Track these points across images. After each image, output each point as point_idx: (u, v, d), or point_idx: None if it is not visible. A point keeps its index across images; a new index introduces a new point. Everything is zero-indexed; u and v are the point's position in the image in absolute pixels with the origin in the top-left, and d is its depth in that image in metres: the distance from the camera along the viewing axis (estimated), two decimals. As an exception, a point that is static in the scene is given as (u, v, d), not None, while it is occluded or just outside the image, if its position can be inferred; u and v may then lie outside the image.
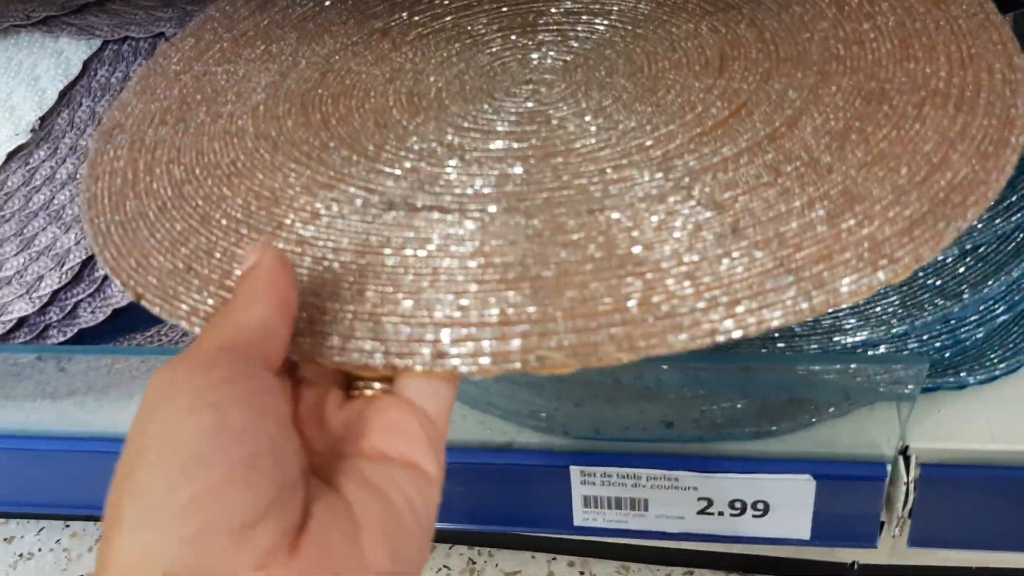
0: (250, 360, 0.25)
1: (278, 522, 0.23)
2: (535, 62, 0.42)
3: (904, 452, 0.45)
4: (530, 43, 0.44)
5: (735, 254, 0.28)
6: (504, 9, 0.47)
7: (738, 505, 0.48)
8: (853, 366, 0.40)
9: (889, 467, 0.45)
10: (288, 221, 0.34)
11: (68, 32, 0.63)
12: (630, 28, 0.43)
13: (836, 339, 0.43)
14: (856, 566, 0.55)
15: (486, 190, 0.33)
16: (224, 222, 0.35)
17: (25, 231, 0.55)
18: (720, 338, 0.27)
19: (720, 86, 0.37)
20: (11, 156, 0.59)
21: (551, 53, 0.43)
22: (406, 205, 0.32)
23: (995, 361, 0.44)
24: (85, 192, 0.40)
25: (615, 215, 0.30)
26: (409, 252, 0.31)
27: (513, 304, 0.28)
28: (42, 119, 0.60)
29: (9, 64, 0.63)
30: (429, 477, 0.27)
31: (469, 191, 0.33)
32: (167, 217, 0.36)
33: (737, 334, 0.27)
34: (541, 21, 0.45)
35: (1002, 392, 0.45)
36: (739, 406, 0.47)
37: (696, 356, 0.41)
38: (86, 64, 0.62)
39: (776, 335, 0.44)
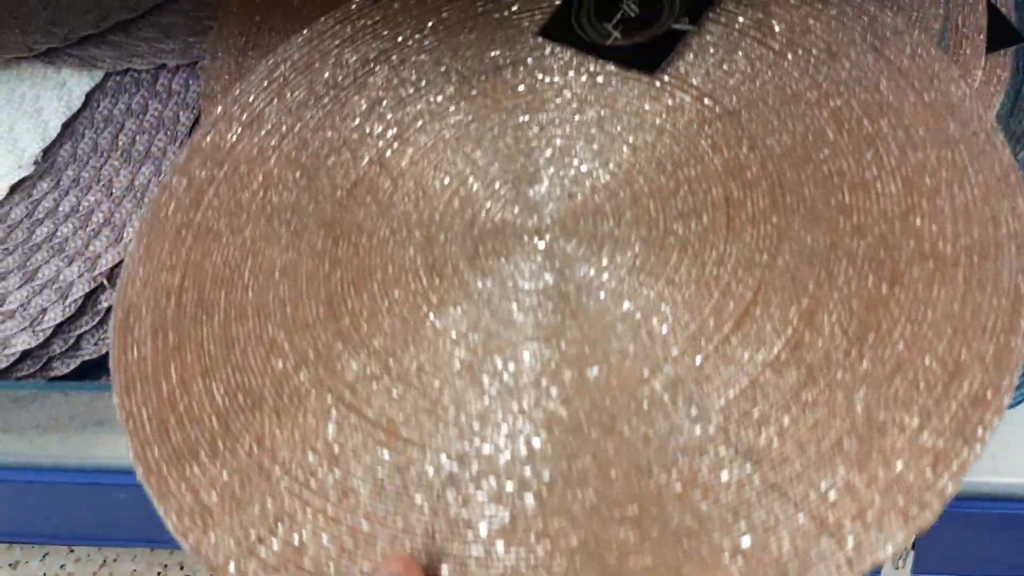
0: None
1: None
2: (538, 199, 0.40)
3: None
4: (532, 170, 0.42)
5: (778, 517, 0.29)
6: (494, 132, 0.44)
7: None
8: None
9: None
10: (353, 485, 0.34)
11: (70, 64, 0.63)
12: (629, 140, 0.41)
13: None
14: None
15: (535, 444, 0.33)
16: (284, 483, 0.34)
17: (28, 264, 0.55)
18: None
19: (733, 255, 0.36)
20: (14, 189, 0.59)
21: (554, 183, 0.41)
22: (464, 474, 0.33)
23: (997, 395, 0.44)
24: (120, 406, 0.38)
25: (663, 477, 0.31)
26: (479, 531, 0.31)
27: None
28: (45, 151, 0.60)
29: (12, 96, 0.63)
30: None
31: (520, 449, 0.33)
32: (221, 461, 0.35)
33: None
34: (533, 138, 0.43)
35: (1008, 425, 0.45)
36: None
37: None
38: (88, 96, 0.63)
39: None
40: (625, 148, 0.41)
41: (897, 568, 0.47)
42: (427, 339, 0.37)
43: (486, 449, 0.33)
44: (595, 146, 0.41)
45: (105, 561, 0.69)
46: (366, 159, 0.43)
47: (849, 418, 0.31)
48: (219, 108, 0.47)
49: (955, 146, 0.36)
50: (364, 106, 0.45)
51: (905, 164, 0.36)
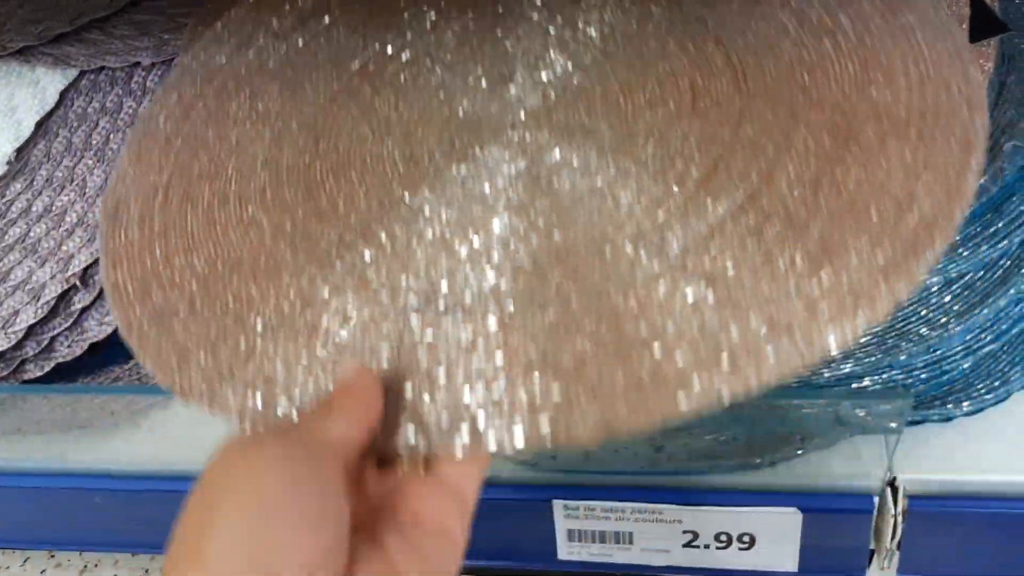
0: (325, 446, 0.29)
1: (331, 570, 0.27)
2: (514, 98, 0.42)
3: (892, 484, 0.44)
4: (506, 72, 0.44)
5: (731, 323, 0.31)
6: (471, 26, 0.47)
7: (724, 538, 0.47)
8: (834, 402, 0.39)
9: (877, 499, 0.44)
10: (324, 325, 0.36)
11: (44, 62, 0.62)
12: (600, 46, 0.44)
13: (820, 371, 0.42)
14: (847, 596, 0.54)
15: (502, 286, 0.35)
16: (260, 327, 0.36)
17: (0, 265, 0.54)
18: (726, 400, 0.30)
19: (695, 131, 0.38)
20: (-13, 188, 0.58)
21: (528, 86, 0.43)
22: (431, 307, 0.35)
23: (982, 392, 0.43)
24: (107, 279, 0.41)
25: (621, 301, 0.33)
26: (442, 351, 0.34)
27: (540, 391, 0.31)
28: (18, 151, 0.60)
29: (-15, 95, 0.63)
30: (457, 543, 0.31)
31: (486, 287, 0.35)
32: (199, 316, 0.38)
33: (741, 396, 0.29)
34: (510, 44, 0.45)
35: (991, 422, 0.44)
36: (722, 439, 0.46)
37: None
38: (63, 94, 0.62)
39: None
40: (597, 52, 0.43)
41: (883, 569, 0.47)
42: (401, 216, 0.39)
43: (454, 289, 0.35)
44: (568, 51, 0.44)
45: (86, 566, 0.68)
46: (349, 72, 0.46)
47: (803, 245, 0.32)
48: (210, 31, 0.50)
49: (910, 32, 0.38)
50: (350, 29, 0.48)
51: (862, 48, 0.38)
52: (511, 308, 0.34)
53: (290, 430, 0.31)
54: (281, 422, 0.33)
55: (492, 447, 0.31)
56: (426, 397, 0.33)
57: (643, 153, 0.38)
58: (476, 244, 0.37)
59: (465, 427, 0.32)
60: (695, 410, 0.30)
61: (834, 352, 0.30)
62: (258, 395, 0.35)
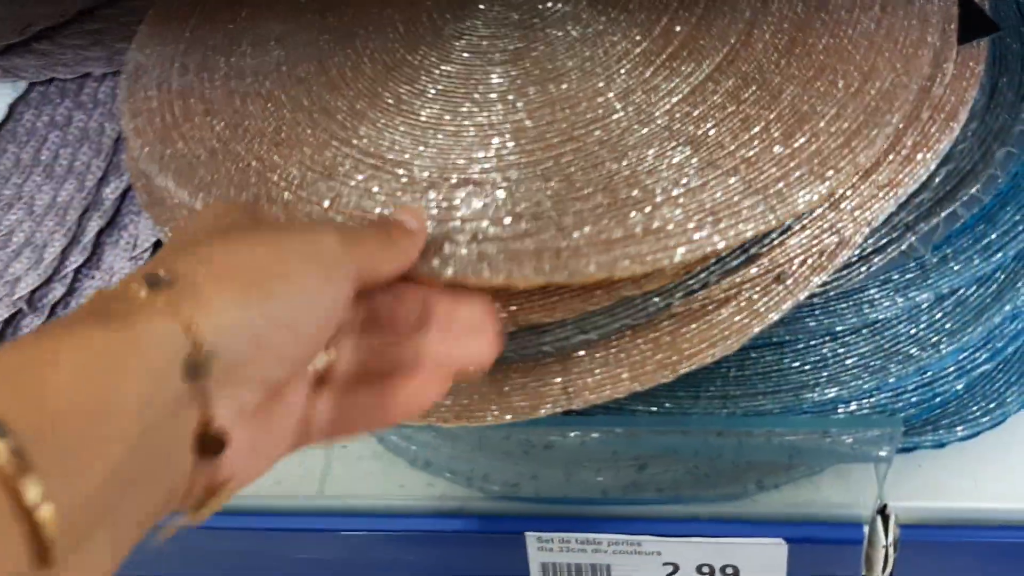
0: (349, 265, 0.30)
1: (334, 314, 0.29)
2: None
3: (883, 512, 0.42)
4: None
5: (712, 182, 0.35)
6: None
7: (706, 570, 0.45)
8: (819, 429, 0.37)
9: (867, 528, 0.42)
10: (344, 197, 0.38)
11: (-7, 74, 0.60)
12: None
13: (804, 396, 0.40)
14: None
15: (505, 155, 0.38)
16: (284, 186, 0.39)
17: (-54, 287, 0.52)
18: (709, 249, 0.34)
19: None
20: (-67, 207, 0.56)
21: None
22: (444, 182, 0.37)
23: (978, 415, 0.41)
24: (128, 123, 0.43)
25: (614, 166, 0.36)
26: (456, 217, 0.36)
27: (547, 239, 0.35)
28: (-35, 167, 0.57)
29: (-68, 109, 0.60)
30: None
31: (491, 157, 0.38)
32: (221, 164, 0.40)
33: (721, 245, 0.34)
34: None
35: (987, 445, 0.42)
36: (705, 467, 0.44)
37: (659, 420, 0.38)
38: (11, 107, 0.59)
39: (738, 392, 0.41)
40: None
41: None
42: (405, 74, 0.42)
43: (460, 162, 0.38)
44: None
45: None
46: None
47: (776, 109, 0.37)
48: None
49: None
50: None
51: None
52: (515, 176, 0.37)
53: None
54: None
55: (504, 278, 0.34)
56: (446, 247, 0.35)
57: (630, 4, 0.42)
58: (476, 96, 0.40)
59: (485, 265, 0.34)
60: (683, 259, 0.34)
61: (803, 211, 0.34)
62: None
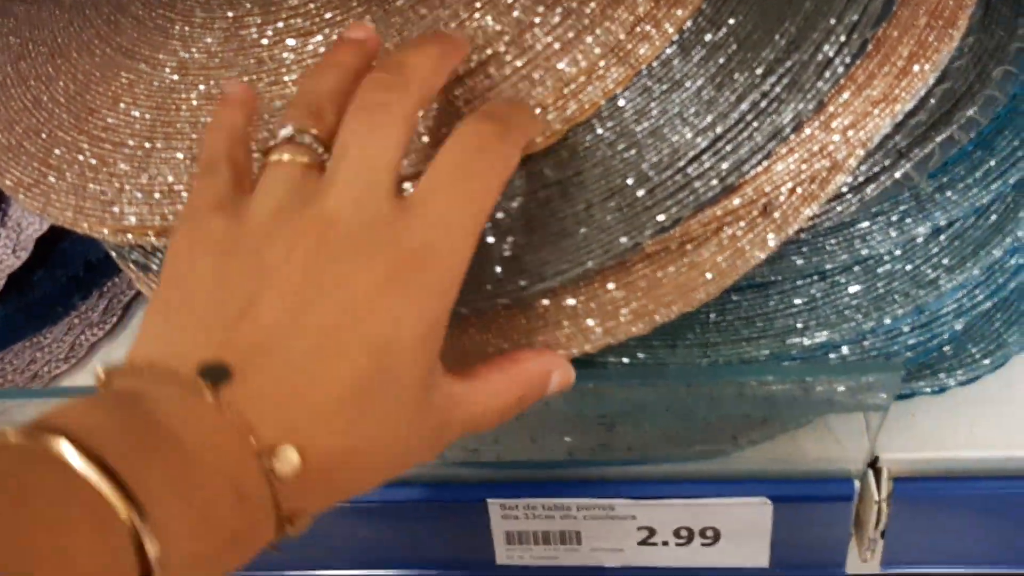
0: None
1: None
2: None
3: (874, 465, 0.40)
4: None
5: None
6: None
7: (684, 533, 0.43)
8: (810, 377, 0.34)
9: (857, 484, 0.40)
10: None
11: None
12: None
13: (792, 342, 0.36)
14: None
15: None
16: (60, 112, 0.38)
17: None
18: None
19: None
20: None
21: None
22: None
23: (978, 357, 0.38)
24: None
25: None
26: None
27: None
28: None
29: None
30: None
31: None
32: (6, 95, 0.40)
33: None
34: None
35: (985, 390, 0.39)
36: (680, 423, 0.40)
37: (635, 372, 0.35)
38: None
39: (719, 339, 0.37)
40: None
41: (865, 561, 0.42)
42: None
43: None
44: None
45: None
46: None
47: None
48: None
49: None
50: None
51: None
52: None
53: None
54: None
55: None
56: None
57: None
58: None
59: None
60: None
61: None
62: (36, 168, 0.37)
